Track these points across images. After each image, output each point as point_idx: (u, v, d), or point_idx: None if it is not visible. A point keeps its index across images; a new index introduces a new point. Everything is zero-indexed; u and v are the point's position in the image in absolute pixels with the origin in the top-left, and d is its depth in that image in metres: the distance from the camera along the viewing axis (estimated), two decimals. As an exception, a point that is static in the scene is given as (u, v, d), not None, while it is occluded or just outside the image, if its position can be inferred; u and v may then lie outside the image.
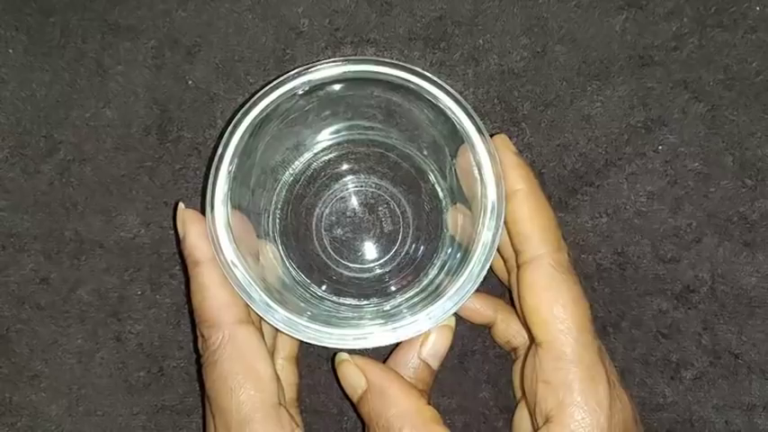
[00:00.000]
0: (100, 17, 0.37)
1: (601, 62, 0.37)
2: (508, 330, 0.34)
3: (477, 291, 0.29)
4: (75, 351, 0.37)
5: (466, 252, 0.30)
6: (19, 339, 0.37)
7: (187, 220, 0.30)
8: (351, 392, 0.32)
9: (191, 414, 0.38)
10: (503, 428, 0.37)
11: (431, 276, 0.34)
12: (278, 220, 0.35)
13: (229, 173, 0.30)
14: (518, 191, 0.30)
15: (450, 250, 0.34)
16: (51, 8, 0.37)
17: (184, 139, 0.37)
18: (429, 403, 0.31)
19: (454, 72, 0.37)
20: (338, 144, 0.36)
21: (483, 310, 0.34)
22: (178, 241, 0.31)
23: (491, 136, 0.30)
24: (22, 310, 0.37)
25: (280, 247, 0.35)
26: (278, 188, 0.36)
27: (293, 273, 0.35)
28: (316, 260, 0.36)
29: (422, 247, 0.36)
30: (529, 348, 0.31)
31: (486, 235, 0.29)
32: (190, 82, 0.37)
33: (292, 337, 0.29)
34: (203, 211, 0.30)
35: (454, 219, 0.34)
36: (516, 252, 0.30)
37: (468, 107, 0.30)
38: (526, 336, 0.34)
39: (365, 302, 0.35)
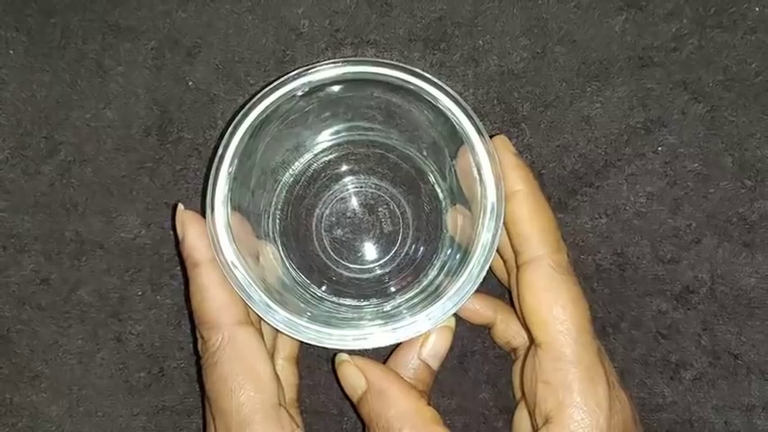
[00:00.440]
0: (100, 18, 0.37)
1: (600, 63, 0.37)
2: (508, 331, 0.34)
3: (477, 291, 0.29)
4: (76, 352, 0.38)
5: (465, 253, 0.30)
6: (19, 340, 0.37)
7: (186, 221, 0.30)
8: (351, 393, 0.32)
9: (191, 415, 0.38)
10: (502, 429, 0.37)
11: (430, 277, 0.34)
12: (278, 221, 0.35)
13: (229, 174, 0.30)
14: (518, 192, 0.30)
15: (449, 251, 0.34)
16: (52, 9, 0.37)
17: (185, 140, 0.37)
18: (429, 404, 0.31)
19: (454, 73, 0.37)
20: (338, 145, 0.36)
21: (483, 310, 0.34)
22: (178, 242, 0.31)
23: (491, 137, 0.30)
24: (22, 311, 0.37)
25: (280, 248, 0.35)
26: (278, 189, 0.36)
27: (293, 273, 0.35)
28: (316, 261, 0.36)
29: (421, 248, 0.36)
30: (528, 349, 0.31)
31: (486, 236, 0.29)
32: (190, 83, 0.37)
33: (292, 338, 0.29)
34: (203, 212, 0.30)
35: (454, 219, 0.34)
36: (516, 253, 0.30)
37: (468, 108, 0.30)
38: (526, 336, 0.34)
39: (365, 303, 0.35)
